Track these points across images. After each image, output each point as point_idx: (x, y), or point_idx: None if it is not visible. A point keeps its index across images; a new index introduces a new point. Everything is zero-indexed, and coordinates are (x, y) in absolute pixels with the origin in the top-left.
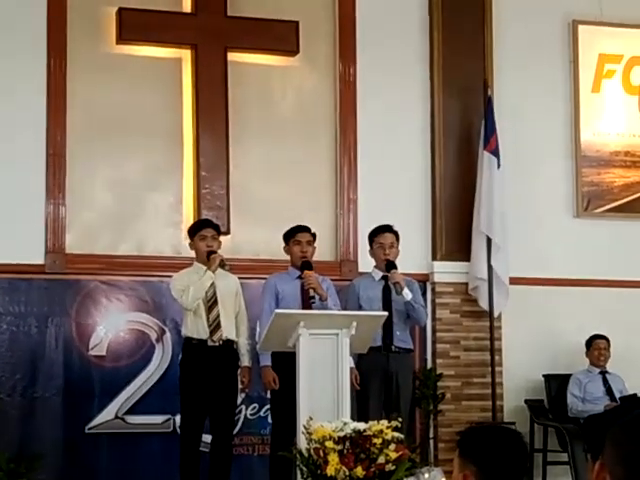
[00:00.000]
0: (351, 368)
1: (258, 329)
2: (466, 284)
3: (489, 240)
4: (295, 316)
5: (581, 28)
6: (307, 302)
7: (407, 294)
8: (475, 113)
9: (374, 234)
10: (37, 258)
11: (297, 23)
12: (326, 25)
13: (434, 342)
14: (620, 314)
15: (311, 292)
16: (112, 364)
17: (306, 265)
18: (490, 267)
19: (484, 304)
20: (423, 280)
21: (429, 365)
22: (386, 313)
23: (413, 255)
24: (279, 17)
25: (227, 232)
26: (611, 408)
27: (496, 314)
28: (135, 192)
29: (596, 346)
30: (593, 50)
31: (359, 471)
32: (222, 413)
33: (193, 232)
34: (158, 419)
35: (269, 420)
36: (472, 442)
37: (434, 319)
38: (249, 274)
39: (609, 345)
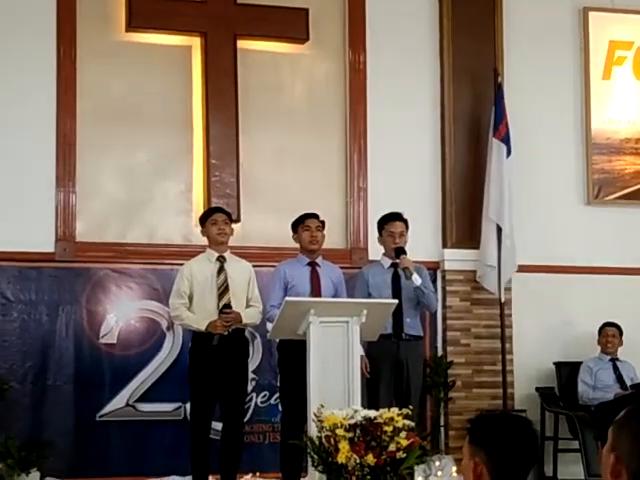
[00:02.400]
0: (361, 356)
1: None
2: (476, 272)
3: (499, 227)
4: (305, 304)
5: (592, 15)
6: (317, 289)
7: (416, 279)
8: (485, 100)
9: (384, 222)
10: (47, 246)
11: (307, 10)
12: (336, 12)
13: (444, 330)
14: (631, 302)
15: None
16: (123, 352)
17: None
18: (500, 254)
19: (494, 290)
20: (433, 268)
21: (439, 353)
22: (396, 301)
23: (423, 243)
24: (289, 4)
25: (237, 220)
26: (622, 396)
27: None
28: (145, 180)
29: (605, 333)
30: (604, 37)
31: (370, 459)
32: (232, 401)
33: (205, 218)
34: (169, 407)
35: (279, 408)
36: (482, 429)
37: (444, 307)
38: (259, 262)
39: (620, 333)
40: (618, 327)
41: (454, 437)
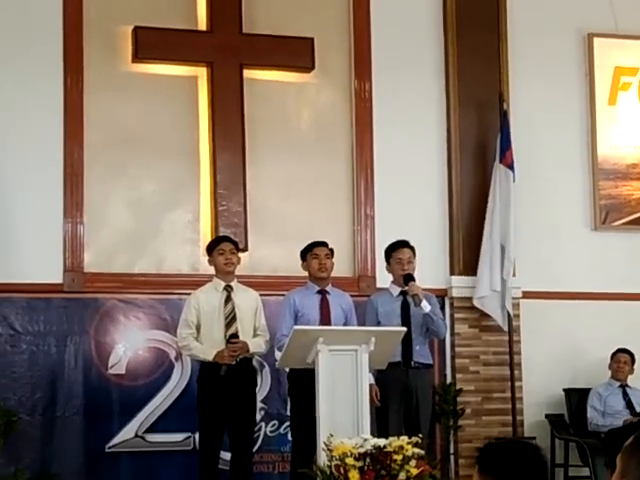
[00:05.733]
0: (371, 384)
1: (276, 347)
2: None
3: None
4: (314, 332)
5: (596, 41)
6: (327, 317)
7: (426, 306)
8: (491, 127)
9: (391, 249)
10: (55, 277)
11: (312, 40)
12: (341, 41)
13: (453, 357)
14: None
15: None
16: (131, 382)
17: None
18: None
19: (496, 316)
20: (441, 295)
21: (449, 380)
22: (405, 329)
23: (431, 270)
24: (294, 34)
25: (245, 249)
26: (632, 422)
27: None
28: (152, 210)
29: (616, 359)
30: (609, 63)
31: None
32: (241, 430)
33: (212, 247)
34: (178, 437)
35: (289, 437)
36: (491, 457)
37: (453, 334)
38: (266, 291)
39: (632, 360)
40: (631, 354)
41: (464, 465)
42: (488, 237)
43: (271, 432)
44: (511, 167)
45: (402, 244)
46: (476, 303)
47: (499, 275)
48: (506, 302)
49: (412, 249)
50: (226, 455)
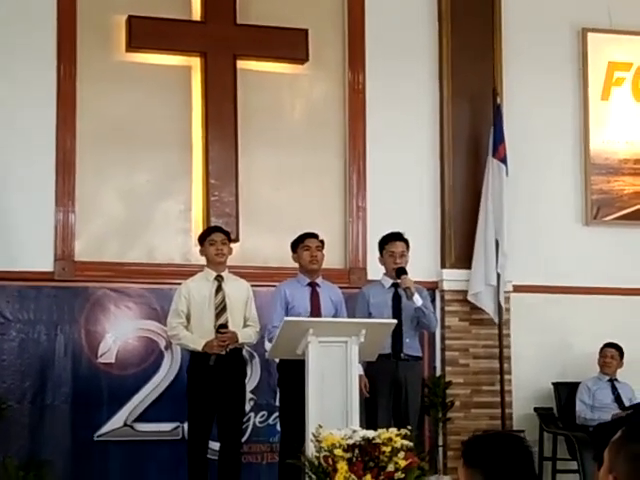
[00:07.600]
0: (360, 375)
1: (266, 338)
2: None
3: (496, 248)
4: (304, 324)
5: (590, 36)
6: (317, 309)
7: (417, 300)
8: (484, 121)
9: (385, 242)
10: (46, 265)
11: (306, 31)
12: (335, 33)
13: (443, 350)
14: (630, 322)
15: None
16: (121, 372)
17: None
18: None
19: (490, 310)
20: (432, 288)
21: (438, 373)
22: (395, 321)
23: (422, 263)
24: (288, 25)
25: (236, 239)
26: (620, 417)
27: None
28: (144, 199)
29: (603, 354)
30: (602, 58)
31: (368, 479)
32: (230, 420)
33: (203, 238)
34: (167, 427)
35: (278, 428)
36: (477, 451)
37: (443, 327)
38: (258, 281)
39: (620, 354)
40: (618, 348)
41: (452, 457)
42: (482, 231)
43: (260, 423)
44: (504, 161)
45: (396, 237)
46: (471, 298)
47: (494, 270)
48: (500, 296)
49: (406, 242)
50: (215, 445)
